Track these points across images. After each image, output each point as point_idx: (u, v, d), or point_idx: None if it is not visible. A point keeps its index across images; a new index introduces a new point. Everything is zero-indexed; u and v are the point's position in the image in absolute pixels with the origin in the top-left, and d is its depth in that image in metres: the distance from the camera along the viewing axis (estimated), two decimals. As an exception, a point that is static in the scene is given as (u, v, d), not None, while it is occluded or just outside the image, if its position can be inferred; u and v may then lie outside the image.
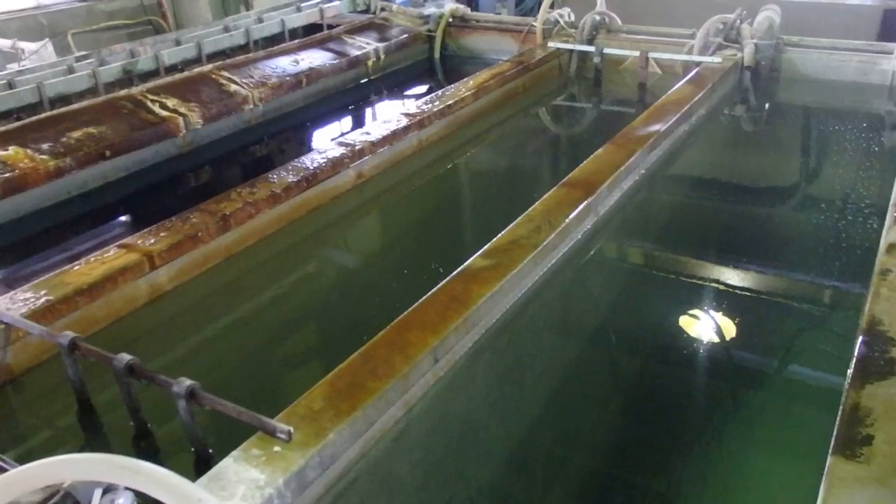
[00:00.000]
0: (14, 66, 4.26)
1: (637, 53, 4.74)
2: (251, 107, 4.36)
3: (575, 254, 2.91)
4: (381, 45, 5.25)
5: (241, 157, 4.30)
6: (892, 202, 2.49)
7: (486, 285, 2.45)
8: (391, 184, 3.79)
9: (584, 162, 3.38)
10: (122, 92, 4.03)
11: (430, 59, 5.67)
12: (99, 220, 3.55)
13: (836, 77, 4.32)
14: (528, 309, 2.58)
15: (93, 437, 2.03)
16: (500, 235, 2.77)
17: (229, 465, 1.65)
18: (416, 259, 3.18)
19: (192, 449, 1.87)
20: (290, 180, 3.35)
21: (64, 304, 2.39)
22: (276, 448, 1.70)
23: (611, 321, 2.71)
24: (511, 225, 2.83)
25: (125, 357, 1.91)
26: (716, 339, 2.52)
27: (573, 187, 3.16)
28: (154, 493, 1.07)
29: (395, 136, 3.89)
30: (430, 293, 2.40)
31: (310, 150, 4.05)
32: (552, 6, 5.09)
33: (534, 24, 5.09)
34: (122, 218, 3.67)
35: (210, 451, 1.88)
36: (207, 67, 4.44)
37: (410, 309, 2.31)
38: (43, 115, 3.61)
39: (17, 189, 3.25)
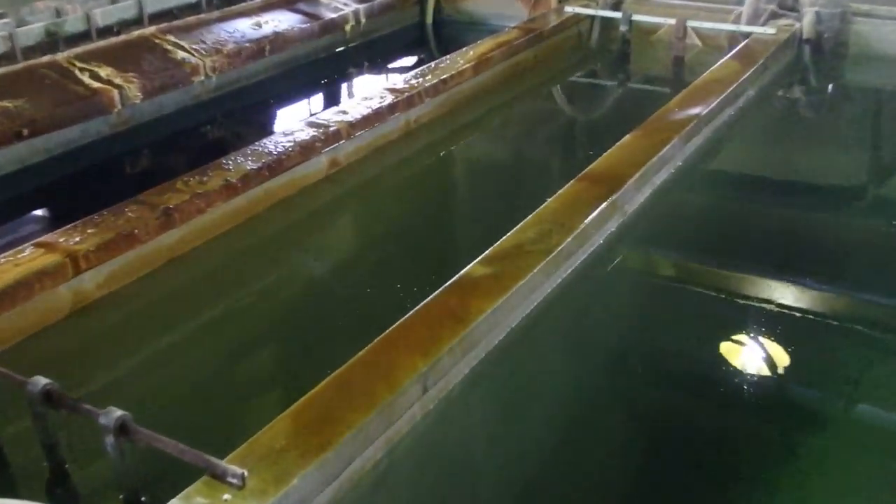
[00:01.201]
0: None
1: (673, 21, 4.75)
2: (202, 78, 4.35)
3: (594, 263, 2.93)
4: (361, 6, 5.21)
5: (190, 139, 4.31)
6: None
7: (487, 298, 2.47)
8: (373, 174, 3.83)
9: (608, 152, 3.45)
10: (45, 58, 3.99)
11: (421, 25, 5.73)
12: (13, 213, 3.51)
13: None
14: (536, 328, 2.60)
15: (-6, 482, 2.01)
16: (503, 239, 2.79)
17: (167, 518, 1.67)
18: (402, 266, 3.17)
19: (122, 496, 1.82)
20: (248, 168, 3.38)
21: (-37, 314, 2.43)
22: (227, 496, 1.67)
23: (637, 346, 2.69)
24: (517, 226, 2.86)
25: (41, 381, 1.88)
26: (766, 372, 2.45)
27: (594, 182, 3.18)
28: None
29: (377, 116, 3.92)
30: (419, 307, 2.42)
31: (273, 131, 4.07)
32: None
33: (548, -18, 5.18)
34: (42, 210, 3.64)
35: (143, 499, 1.84)
36: (150, 30, 4.41)
37: (395, 325, 2.32)
38: (-55, 87, 3.65)
39: (-89, 174, 3.39)
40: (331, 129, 3.73)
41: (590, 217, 2.94)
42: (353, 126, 3.82)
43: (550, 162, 4.23)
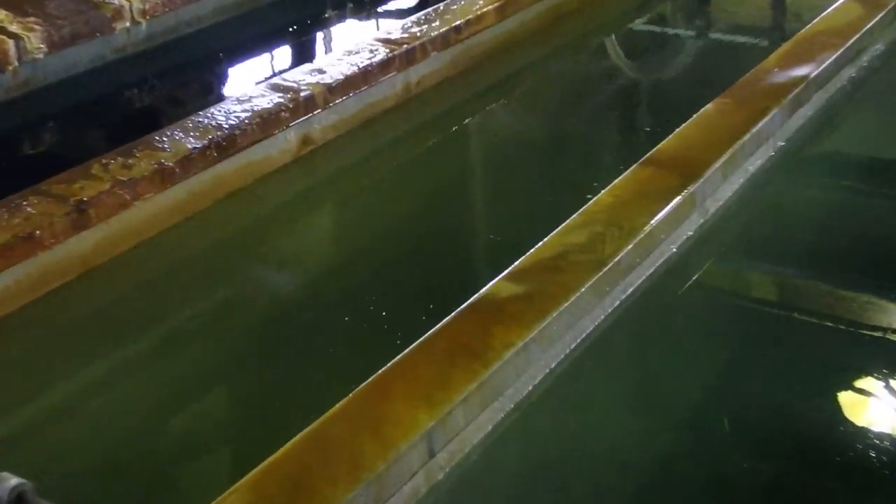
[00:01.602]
0: None
1: (771, -54, 5.16)
2: (128, 25, 4.40)
3: (664, 280, 2.95)
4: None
5: (110, 107, 4.35)
6: None
7: (517, 328, 2.48)
8: (359, 157, 3.91)
9: (682, 127, 3.44)
10: None
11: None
12: None
13: None
14: (584, 370, 2.63)
15: None
16: (539, 246, 2.82)
17: None
18: (399, 282, 3.19)
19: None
20: (190, 147, 3.44)
21: None
22: None
23: (723, 396, 2.67)
24: (557, 229, 2.90)
25: None
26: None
27: (663, 168, 3.17)
28: None
29: (365, 76, 3.99)
30: (423, 339, 2.43)
31: (223, 97, 4.19)
32: None
33: None
34: None
35: None
36: (56, -41, 4.51)
37: (391, 364, 2.35)
38: None
39: None
40: (302, 94, 3.79)
41: (658, 216, 2.96)
42: (333, 90, 3.87)
43: (602, 141, 4.27)
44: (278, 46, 5.06)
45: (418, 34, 4.21)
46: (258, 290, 3.28)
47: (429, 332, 2.47)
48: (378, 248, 3.46)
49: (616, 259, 2.78)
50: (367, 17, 5.33)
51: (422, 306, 2.91)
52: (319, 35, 5.19)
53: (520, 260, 2.76)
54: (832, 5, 4.31)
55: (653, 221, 2.93)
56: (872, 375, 2.65)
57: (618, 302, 2.80)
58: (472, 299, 2.60)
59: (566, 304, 2.59)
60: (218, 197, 3.53)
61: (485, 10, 4.43)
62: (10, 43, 3.98)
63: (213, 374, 2.83)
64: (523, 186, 3.84)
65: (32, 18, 4.10)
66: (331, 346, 2.88)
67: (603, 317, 2.74)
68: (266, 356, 2.90)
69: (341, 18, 5.26)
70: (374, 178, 3.87)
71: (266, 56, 5.03)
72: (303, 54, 4.96)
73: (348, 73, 3.94)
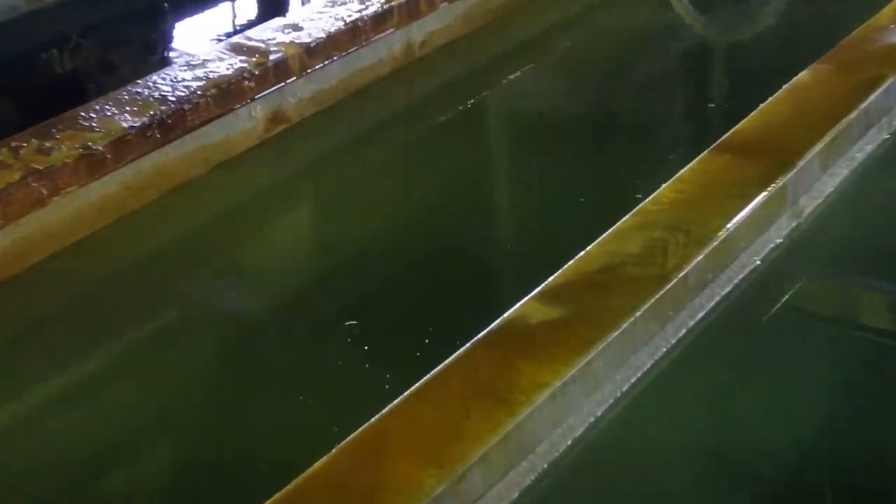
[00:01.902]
0: None
1: None
2: (41, -34, 4.45)
3: (746, 299, 2.95)
4: None
5: (22, 74, 4.28)
6: None
7: (552, 364, 2.48)
8: (345, 139, 3.97)
9: (767, 102, 3.44)
10: None
11: None
12: None
13: None
14: (639, 418, 2.63)
15: None
16: (579, 256, 2.84)
17: None
18: (398, 301, 3.23)
19: None
20: (126, 126, 3.46)
21: None
22: None
23: (823, 455, 2.66)
24: (604, 235, 2.91)
25: None
26: None
27: (742, 155, 3.17)
28: None
29: (354, 34, 4.04)
30: (430, 377, 2.45)
31: (170, 61, 4.19)
32: None
33: None
34: None
35: None
36: None
37: (389, 410, 2.35)
38: None
39: None
40: (271, 57, 3.83)
41: (736, 218, 2.93)
42: (312, 53, 3.91)
43: (662, 119, 4.29)
44: (238, -5, 5.33)
45: (423, -21, 4.41)
46: (212, 313, 3.29)
47: (437, 369, 2.46)
48: (370, 260, 3.48)
49: (681, 274, 2.76)
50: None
51: (428, 334, 2.93)
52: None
53: (555, 275, 2.75)
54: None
55: (729, 225, 2.91)
56: None
57: (684, 330, 2.78)
58: (492, 325, 2.60)
59: (616, 333, 2.58)
60: (162, 191, 3.57)
61: (509, -54, 4.68)
62: None
63: (158, 416, 2.86)
64: (559, 179, 3.85)
65: None
66: (307, 386, 2.90)
67: (665, 349, 2.73)
68: (228, 393, 2.93)
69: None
70: (365, 167, 3.90)
71: (225, 6, 5.05)
72: (273, 4, 4.96)
73: (332, 30, 3.98)
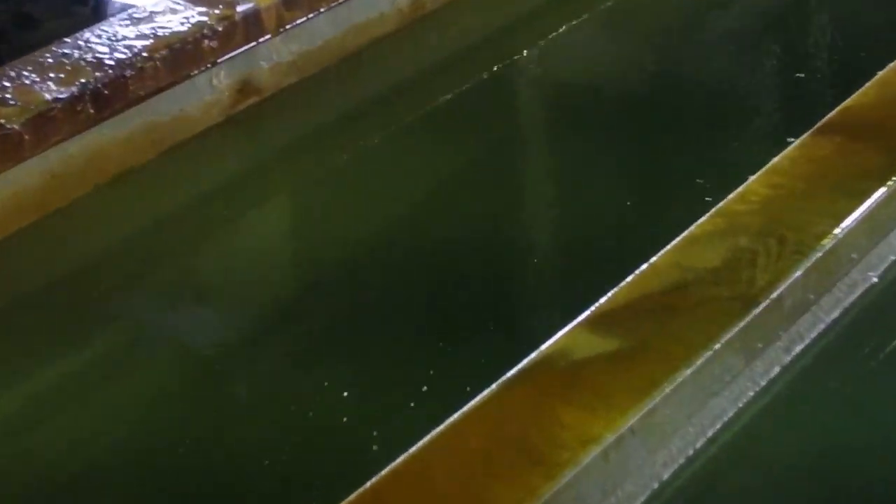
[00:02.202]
0: None
1: None
2: None
3: (860, 328, 2.93)
4: None
5: None
6: None
7: (605, 411, 2.45)
8: (334, 116, 4.01)
9: (887, 70, 3.44)
10: None
11: None
12: None
13: None
14: (721, 482, 2.63)
15: None
16: (640, 271, 2.83)
17: None
18: (399, 322, 3.27)
19: None
20: (49, 99, 3.46)
21: None
22: None
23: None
24: (672, 243, 2.90)
25: None
26: None
27: (854, 137, 3.17)
28: None
29: None
30: (444, 427, 2.43)
31: (105, 13, 4.17)
32: None
33: None
34: None
35: None
36: None
37: (389, 471, 2.33)
38: None
39: None
40: (239, 8, 3.83)
41: (849, 220, 2.90)
42: (291, 3, 3.93)
43: (744, 91, 4.31)
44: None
45: None
46: (158, 343, 3.32)
47: (452, 418, 2.43)
48: (364, 274, 3.52)
49: (775, 294, 2.71)
50: None
51: (440, 369, 2.99)
52: None
53: (608, 295, 2.72)
54: None
55: (838, 230, 2.88)
56: None
57: (778, 368, 2.76)
58: (525, 361, 2.57)
59: (688, 372, 2.54)
60: (98, 182, 3.56)
61: None
62: None
63: (93, 470, 2.90)
64: (611, 167, 3.88)
65: None
66: (279, 435, 2.92)
67: (752, 393, 2.71)
68: (182, 441, 2.94)
69: None
70: (359, 154, 3.93)
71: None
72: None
73: (312, -26, 4.02)
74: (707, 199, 3.04)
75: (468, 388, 2.57)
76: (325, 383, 3.07)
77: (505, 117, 4.23)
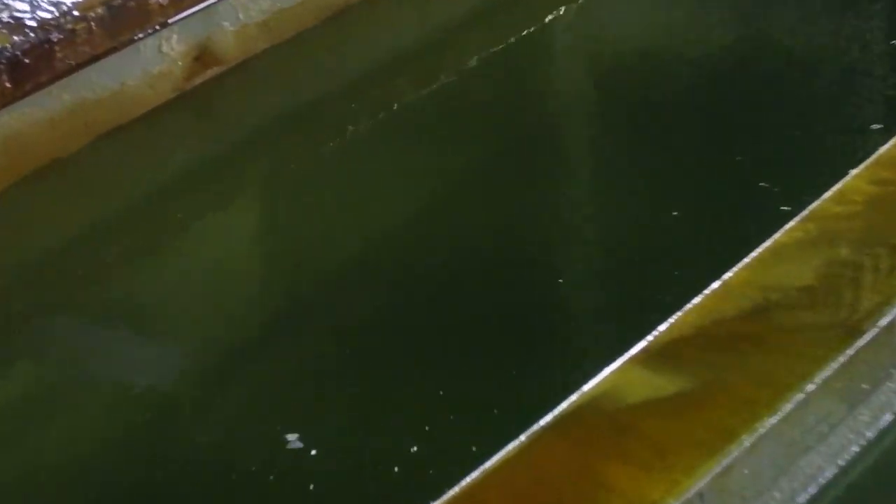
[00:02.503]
0: None
1: None
2: None
3: None
4: None
5: None
6: None
7: (665, 468, 2.44)
8: (316, 93, 4.15)
9: None
10: None
11: None
12: None
13: None
14: None
15: None
16: (709, 291, 2.83)
17: None
18: (396, 354, 3.36)
19: None
20: None
21: None
22: None
23: None
24: (753, 255, 2.91)
25: None
26: None
27: None
28: None
29: None
30: (459, 488, 2.43)
31: None
32: None
33: None
34: None
35: None
36: None
37: None
38: None
39: None
40: None
41: None
42: None
43: (840, 62, 4.46)
44: None
45: None
46: (87, 378, 3.40)
47: (471, 478, 2.42)
48: (351, 286, 3.65)
49: (885, 321, 2.67)
50: None
51: (452, 417, 3.12)
52: None
53: (669, 322, 2.69)
54: None
55: None
56: None
57: (890, 417, 2.71)
58: (563, 404, 2.52)
59: (774, 420, 2.48)
60: (15, 175, 3.66)
61: None
62: None
63: None
64: (667, 158, 3.99)
65: None
66: (249, 470, 3.07)
67: (857, 448, 2.65)
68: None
69: None
70: (346, 138, 4.08)
71: None
72: None
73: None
74: (795, 198, 3.07)
75: (488, 440, 2.55)
76: (296, 432, 3.14)
77: (531, 93, 4.37)
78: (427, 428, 3.10)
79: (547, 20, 4.49)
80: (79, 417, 3.30)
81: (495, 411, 3.02)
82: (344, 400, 3.28)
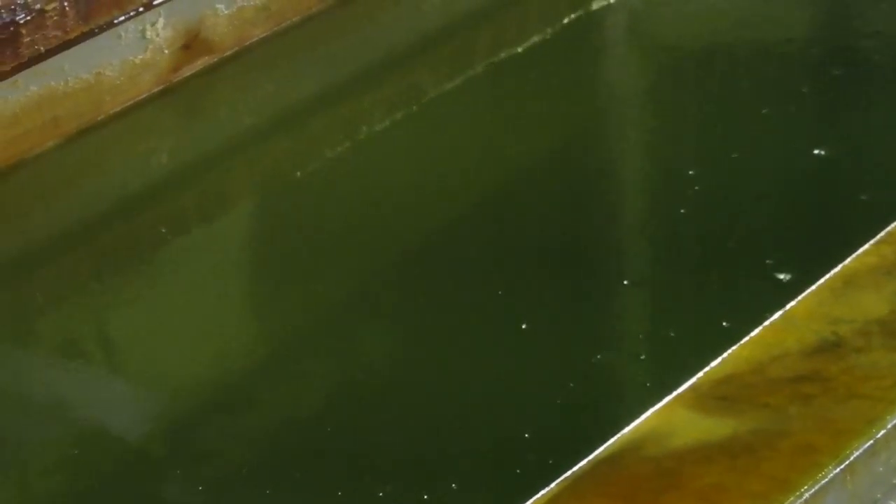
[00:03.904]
0: None
1: None
2: None
3: None
4: None
5: None
6: None
7: None
8: (324, 85, 4.24)
9: None
10: None
11: None
12: None
13: None
14: None
15: None
16: (769, 323, 2.81)
17: None
18: (401, 390, 3.46)
19: None
20: None
21: None
22: None
23: None
24: (820, 283, 2.86)
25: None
26: None
27: None
28: None
29: None
30: None
31: None
32: None
33: None
34: None
35: None
36: None
37: None
38: None
39: None
40: None
41: None
42: None
43: None
44: None
45: None
46: (57, 424, 3.46)
47: None
48: (363, 314, 3.71)
49: None
50: None
51: (470, 465, 3.18)
52: None
53: (721, 357, 2.66)
54: None
55: None
56: None
57: None
58: (598, 451, 2.41)
59: (839, 470, 2.43)
60: None
61: None
62: None
63: None
64: (720, 163, 4.12)
65: None
66: None
67: None
68: None
69: None
70: (359, 140, 4.10)
71: None
72: None
73: None
74: (867, 219, 2.99)
75: (511, 493, 2.61)
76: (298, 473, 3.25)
77: (574, 91, 4.37)
78: (453, 485, 3.16)
79: (594, 6, 4.47)
80: (29, 462, 3.35)
81: (522, 456, 3.06)
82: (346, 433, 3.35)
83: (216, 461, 3.41)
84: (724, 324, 3.18)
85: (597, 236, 4.00)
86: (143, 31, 3.88)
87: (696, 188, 4.06)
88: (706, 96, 4.40)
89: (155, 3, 3.86)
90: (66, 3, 3.72)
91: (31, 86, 3.72)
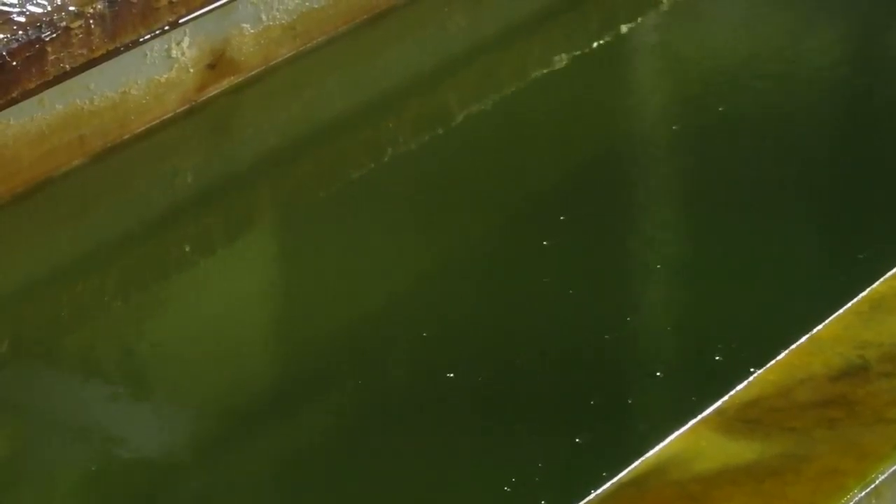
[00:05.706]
0: None
1: None
2: None
3: None
4: None
5: None
6: None
7: None
8: (348, 107, 4.22)
9: None
10: None
11: None
12: None
13: None
14: None
15: None
16: (803, 342, 2.88)
17: None
18: (430, 416, 3.41)
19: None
20: None
21: None
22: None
23: None
24: (852, 303, 3.00)
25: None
26: None
27: None
28: None
29: None
30: None
31: None
32: None
33: None
34: None
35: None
36: None
37: None
38: None
39: None
40: None
41: None
42: None
43: None
44: None
45: None
46: (76, 456, 3.45)
47: None
48: (389, 345, 3.70)
49: None
50: None
51: (493, 485, 3.07)
52: None
53: (747, 381, 2.72)
54: None
55: None
56: None
57: None
58: (621, 474, 2.54)
59: (864, 494, 2.52)
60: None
61: None
62: None
63: None
64: (747, 186, 4.11)
65: None
66: None
67: None
68: None
69: None
70: (388, 163, 4.12)
71: None
72: None
73: None
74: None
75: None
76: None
77: (601, 115, 4.44)
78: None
79: (623, 29, 4.53)
80: (55, 481, 3.36)
81: (541, 479, 3.05)
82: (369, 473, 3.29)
83: (241, 483, 3.40)
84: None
85: (625, 258, 4.06)
86: (169, 50, 3.91)
87: (727, 215, 4.00)
88: (737, 120, 4.33)
89: (181, 21, 3.90)
90: (91, 22, 3.74)
91: (56, 104, 3.73)
